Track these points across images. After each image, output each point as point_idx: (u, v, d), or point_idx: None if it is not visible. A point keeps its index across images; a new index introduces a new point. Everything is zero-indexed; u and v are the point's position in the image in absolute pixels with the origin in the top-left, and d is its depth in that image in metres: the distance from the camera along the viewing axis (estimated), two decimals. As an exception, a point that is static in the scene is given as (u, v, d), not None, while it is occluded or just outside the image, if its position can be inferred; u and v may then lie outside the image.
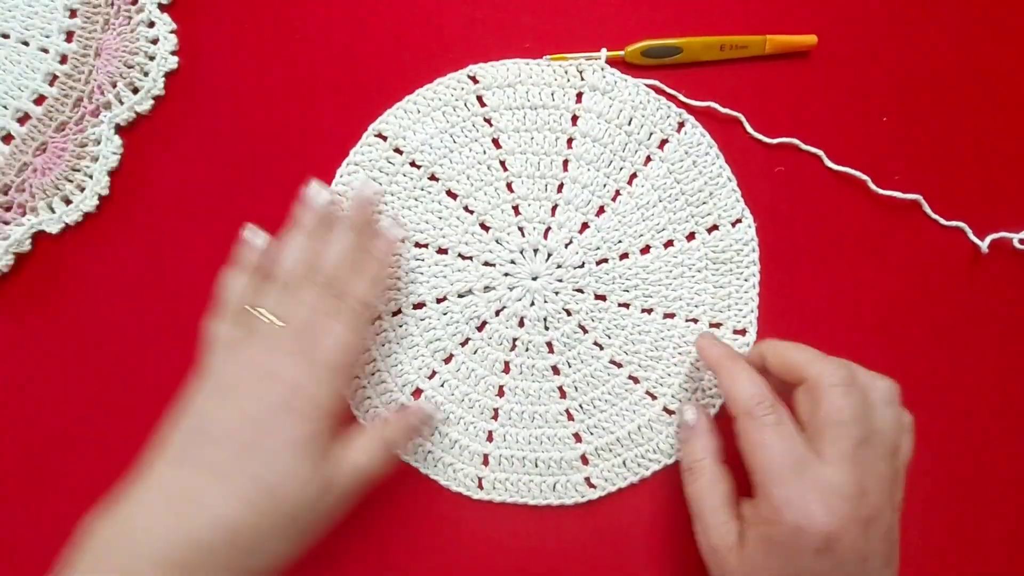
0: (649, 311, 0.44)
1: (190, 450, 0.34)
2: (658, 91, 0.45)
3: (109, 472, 0.43)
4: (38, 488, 0.43)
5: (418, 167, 0.44)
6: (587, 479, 0.43)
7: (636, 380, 0.43)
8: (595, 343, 0.44)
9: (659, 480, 0.43)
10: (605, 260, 0.44)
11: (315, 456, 0.34)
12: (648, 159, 0.45)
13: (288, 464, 0.33)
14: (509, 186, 0.44)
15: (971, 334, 0.45)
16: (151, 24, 0.46)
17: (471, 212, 0.44)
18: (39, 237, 0.45)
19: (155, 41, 0.46)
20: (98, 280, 0.45)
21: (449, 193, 0.44)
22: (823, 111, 0.46)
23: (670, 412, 0.43)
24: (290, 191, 0.45)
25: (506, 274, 0.44)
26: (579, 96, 0.45)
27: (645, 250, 0.44)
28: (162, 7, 0.46)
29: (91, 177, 0.45)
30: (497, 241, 0.44)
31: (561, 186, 0.44)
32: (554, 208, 0.44)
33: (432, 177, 0.44)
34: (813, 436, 0.34)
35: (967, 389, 0.44)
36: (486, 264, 0.44)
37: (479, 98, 0.45)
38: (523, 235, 0.44)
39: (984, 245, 0.44)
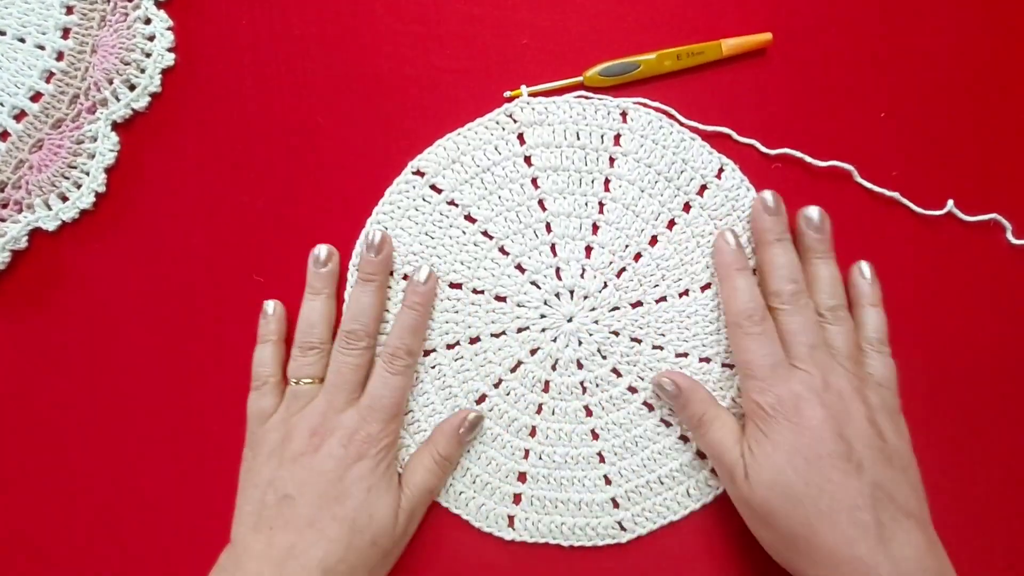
0: (685, 355, 0.43)
1: (269, 514, 0.38)
2: (647, 107, 0.44)
3: (107, 470, 0.44)
4: (37, 486, 0.44)
5: (456, 206, 0.44)
6: (619, 523, 0.43)
7: (668, 424, 0.43)
8: (629, 387, 0.43)
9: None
10: (640, 303, 0.44)
11: (382, 487, 0.39)
12: (687, 206, 0.44)
13: (362, 500, 0.39)
14: (548, 227, 0.44)
15: (963, 324, 0.44)
16: (148, 21, 0.46)
17: (507, 254, 0.44)
18: (36, 234, 0.45)
19: (152, 38, 0.45)
20: (95, 277, 0.45)
21: (485, 233, 0.44)
22: (788, 107, 0.45)
23: (703, 457, 0.43)
24: (287, 189, 0.45)
25: (541, 315, 0.44)
26: (617, 138, 0.44)
27: (683, 293, 0.44)
28: (159, 4, 0.46)
29: (88, 174, 0.45)
30: (533, 283, 0.44)
31: (596, 227, 0.44)
32: (589, 249, 0.44)
33: (468, 218, 0.44)
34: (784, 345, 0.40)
35: (959, 384, 0.44)
36: (520, 305, 0.44)
37: (519, 136, 0.44)
38: (559, 278, 0.44)
39: None
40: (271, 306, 0.43)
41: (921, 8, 0.46)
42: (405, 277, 0.44)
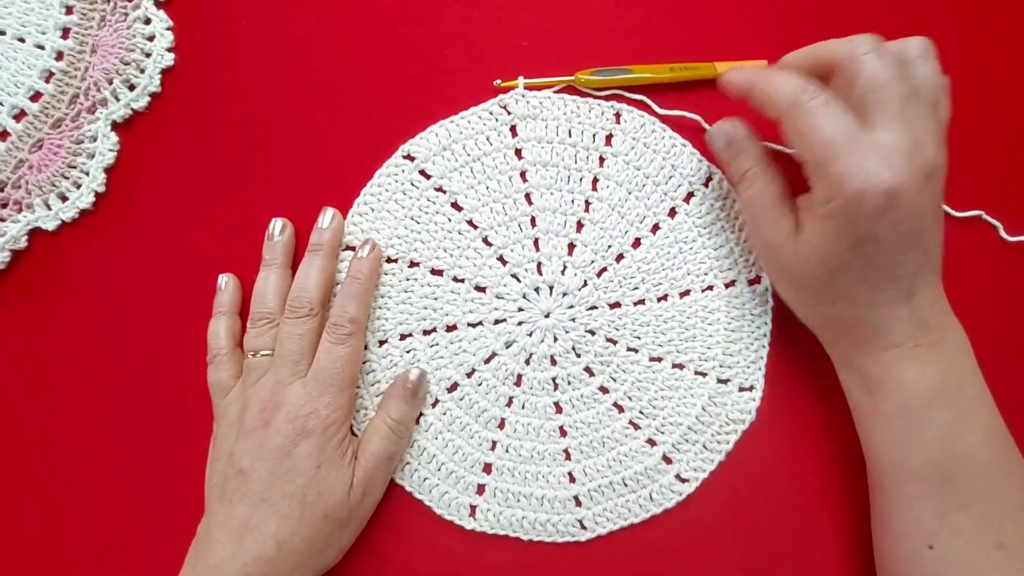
0: (659, 359, 0.44)
1: (230, 487, 0.39)
2: (641, 106, 0.44)
3: (106, 469, 0.44)
4: (37, 485, 0.44)
5: (443, 192, 0.44)
6: (580, 521, 0.43)
7: (637, 426, 0.44)
8: (600, 387, 0.43)
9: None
10: (618, 304, 0.44)
11: (332, 463, 0.39)
12: (673, 211, 0.44)
13: (310, 477, 0.39)
14: (533, 221, 0.44)
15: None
16: (147, 21, 0.46)
17: (490, 244, 0.44)
18: (35, 234, 0.45)
19: (151, 38, 0.45)
20: (94, 277, 0.45)
21: (470, 223, 0.44)
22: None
23: (669, 461, 0.43)
24: (285, 188, 0.45)
25: (519, 309, 0.44)
26: (608, 138, 0.44)
27: (662, 298, 0.44)
28: (158, 4, 0.46)
29: (87, 174, 0.45)
30: (513, 276, 0.44)
31: (580, 225, 0.44)
32: (572, 247, 0.44)
33: (455, 205, 0.44)
34: (859, 110, 0.34)
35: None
36: (499, 297, 0.44)
37: (512, 128, 0.44)
38: (540, 273, 0.44)
39: None
40: (223, 280, 0.44)
41: (909, 11, 0.46)
42: (388, 260, 0.44)
